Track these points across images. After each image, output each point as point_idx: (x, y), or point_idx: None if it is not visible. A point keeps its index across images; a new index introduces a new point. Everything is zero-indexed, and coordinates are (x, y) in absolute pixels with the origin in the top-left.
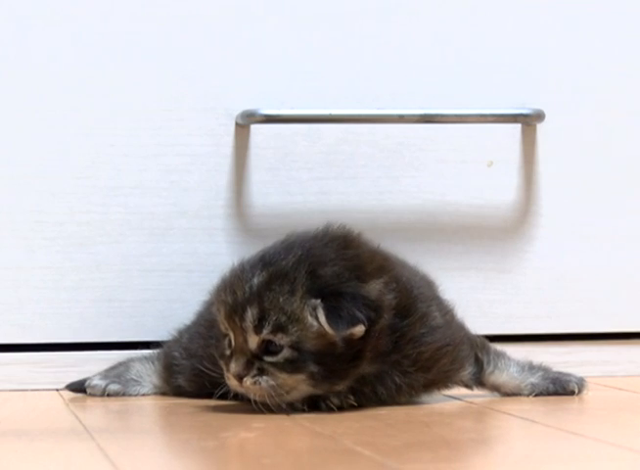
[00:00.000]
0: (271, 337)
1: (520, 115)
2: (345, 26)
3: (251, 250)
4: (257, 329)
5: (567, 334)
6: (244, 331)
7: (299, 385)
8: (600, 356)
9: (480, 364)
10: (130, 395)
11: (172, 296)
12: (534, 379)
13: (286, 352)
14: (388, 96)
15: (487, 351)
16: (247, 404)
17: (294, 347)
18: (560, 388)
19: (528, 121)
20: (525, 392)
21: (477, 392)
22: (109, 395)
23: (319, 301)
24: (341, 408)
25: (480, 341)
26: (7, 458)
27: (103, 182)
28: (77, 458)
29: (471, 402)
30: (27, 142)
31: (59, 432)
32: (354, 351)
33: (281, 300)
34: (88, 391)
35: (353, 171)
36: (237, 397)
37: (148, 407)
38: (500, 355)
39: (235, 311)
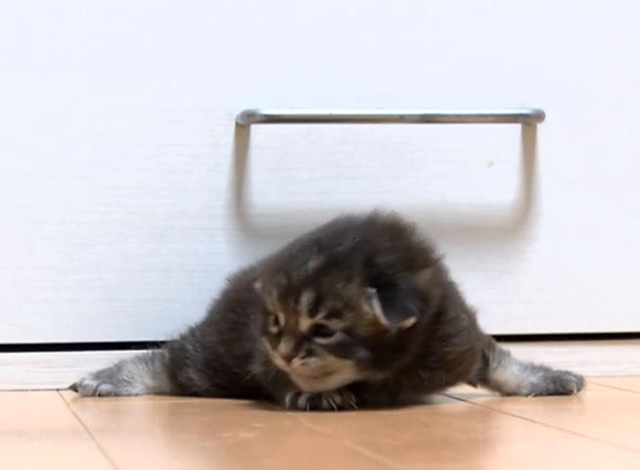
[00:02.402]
0: (325, 321)
1: (520, 115)
2: (346, 27)
3: (251, 250)
4: (312, 313)
5: (567, 334)
6: (297, 313)
7: (345, 369)
8: (600, 356)
9: (485, 360)
10: (121, 395)
11: (172, 296)
12: (534, 379)
13: (338, 336)
14: (388, 96)
15: (494, 348)
16: (248, 404)
17: (346, 332)
18: (560, 386)
19: (528, 121)
20: (525, 391)
21: (477, 392)
22: (100, 395)
23: (375, 290)
24: (341, 408)
25: (487, 338)
26: (7, 458)
27: (103, 182)
28: (77, 458)
29: (471, 402)
30: (27, 142)
31: (59, 432)
32: (401, 341)
33: (338, 286)
34: (79, 390)
35: (353, 171)
36: (245, 395)
37: (148, 408)
38: (504, 354)
39: (290, 293)
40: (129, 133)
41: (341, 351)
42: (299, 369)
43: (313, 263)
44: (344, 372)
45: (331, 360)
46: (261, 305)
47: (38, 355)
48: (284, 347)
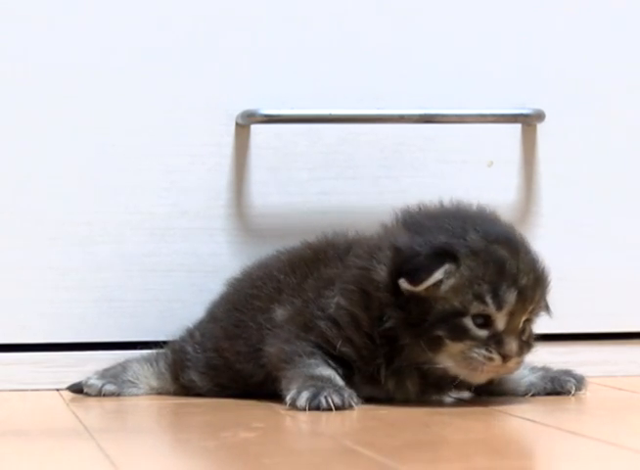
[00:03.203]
0: (535, 317)
1: (520, 115)
2: (345, 26)
3: (251, 250)
4: (535, 309)
5: (567, 334)
6: (524, 312)
7: None
8: (600, 356)
9: None
10: (125, 396)
11: (172, 296)
12: (533, 378)
13: (529, 329)
14: (388, 96)
15: None
16: (248, 404)
17: (531, 322)
18: (558, 386)
19: (528, 121)
20: (523, 388)
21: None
22: (104, 395)
23: None
24: (341, 408)
25: None
26: (7, 458)
27: (103, 182)
28: (77, 458)
29: (471, 402)
30: (28, 142)
31: (59, 432)
32: None
33: (547, 280)
34: (85, 389)
35: (353, 171)
36: (247, 393)
37: (148, 407)
38: None
39: (531, 293)
40: (129, 133)
41: (533, 342)
42: (513, 367)
43: (531, 261)
44: None
45: (528, 354)
46: (443, 309)
47: (39, 355)
48: (515, 346)
